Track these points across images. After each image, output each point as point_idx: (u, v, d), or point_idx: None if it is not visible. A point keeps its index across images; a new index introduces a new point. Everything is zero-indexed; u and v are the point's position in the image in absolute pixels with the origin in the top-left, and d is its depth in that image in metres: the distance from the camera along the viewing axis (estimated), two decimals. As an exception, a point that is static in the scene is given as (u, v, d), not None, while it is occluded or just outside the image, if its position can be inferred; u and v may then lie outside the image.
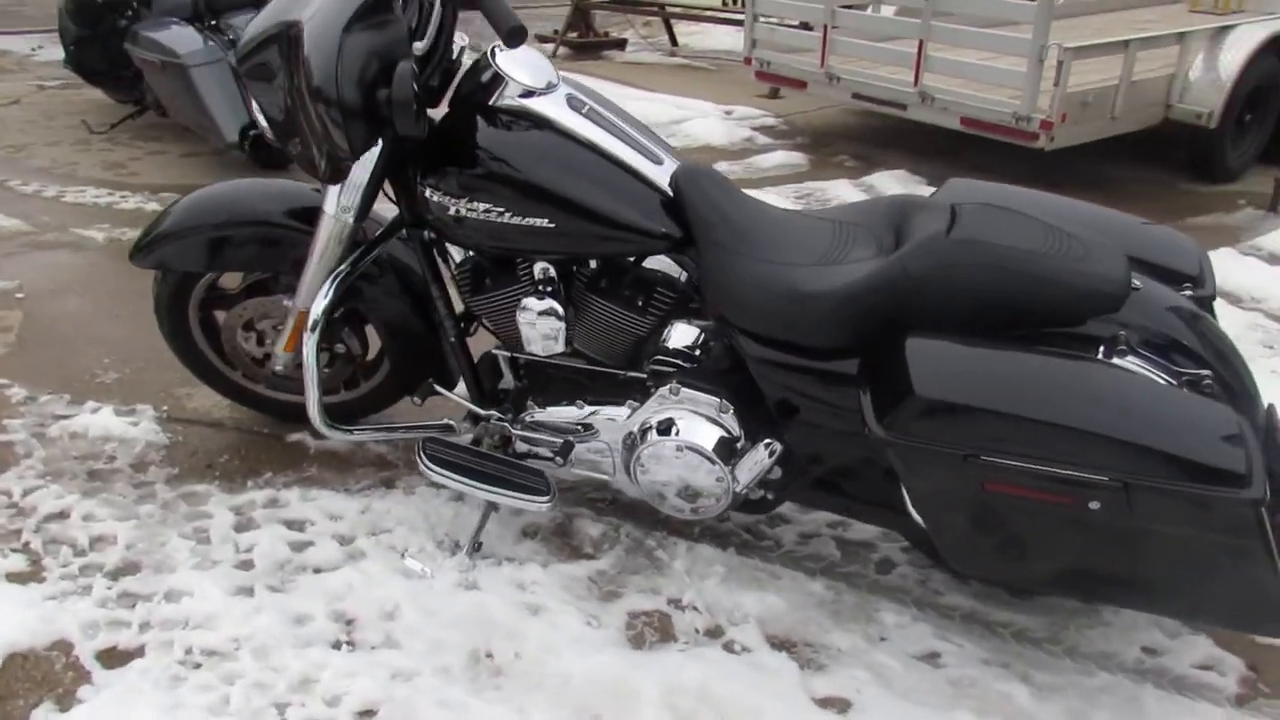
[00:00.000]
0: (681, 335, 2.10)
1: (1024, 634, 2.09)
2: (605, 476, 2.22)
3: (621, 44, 9.53)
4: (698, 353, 2.09)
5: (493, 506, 2.28)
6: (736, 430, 2.03)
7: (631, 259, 2.06)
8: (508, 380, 2.31)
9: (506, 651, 1.98)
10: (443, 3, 1.99)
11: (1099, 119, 4.99)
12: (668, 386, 2.03)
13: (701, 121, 6.27)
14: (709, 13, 9.77)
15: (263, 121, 2.04)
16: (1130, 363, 1.73)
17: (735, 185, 2.09)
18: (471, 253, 2.15)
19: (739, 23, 9.62)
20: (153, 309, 2.53)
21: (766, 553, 2.31)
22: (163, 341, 2.58)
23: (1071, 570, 1.75)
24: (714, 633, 2.07)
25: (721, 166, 5.31)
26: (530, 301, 2.06)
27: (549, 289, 2.07)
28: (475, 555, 2.22)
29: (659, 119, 6.23)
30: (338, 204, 2.11)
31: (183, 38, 4.54)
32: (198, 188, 2.48)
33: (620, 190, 1.96)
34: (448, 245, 2.18)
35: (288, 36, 1.84)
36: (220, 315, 2.58)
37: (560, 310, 2.05)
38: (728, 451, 2.02)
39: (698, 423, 2.02)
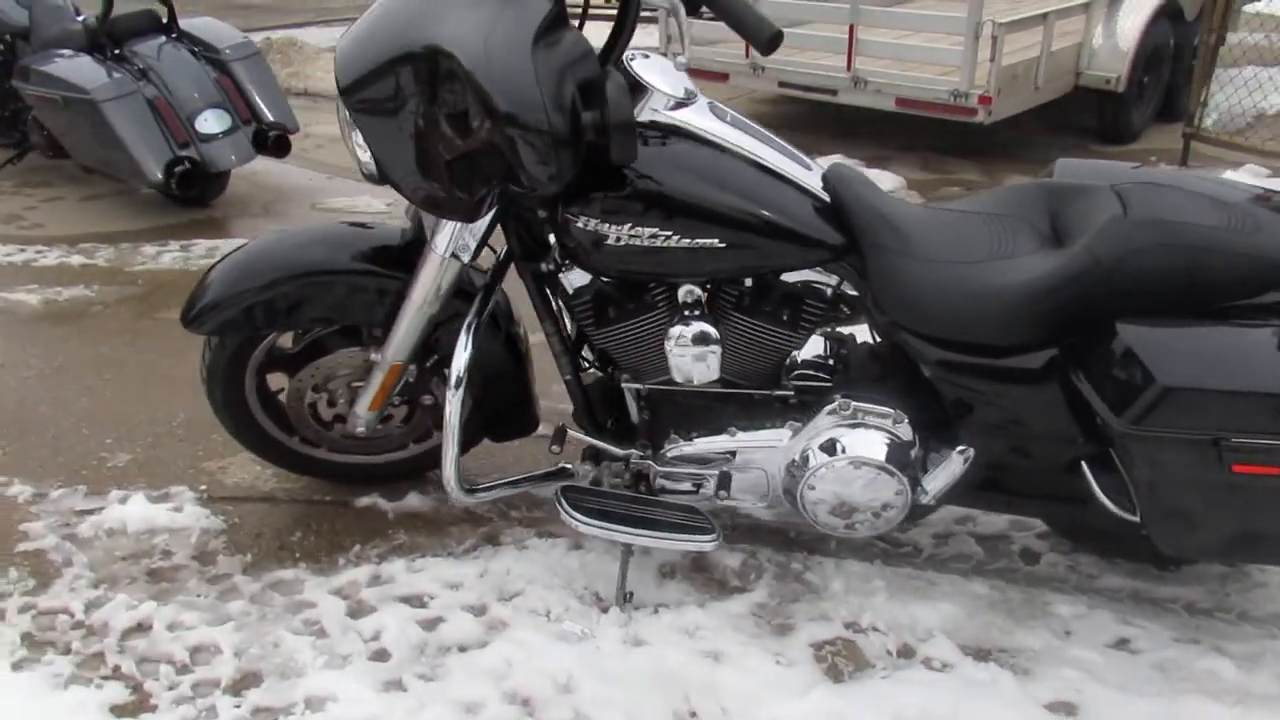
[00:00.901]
0: (835, 347, 2.01)
1: (1194, 606, 2.10)
2: (753, 504, 2.09)
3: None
4: (854, 365, 2.00)
5: (630, 550, 2.13)
6: (912, 439, 1.95)
7: (781, 273, 1.94)
8: (631, 414, 2.14)
9: (710, 708, 1.84)
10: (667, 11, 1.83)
11: (1025, 91, 5.17)
12: (836, 403, 1.93)
13: (622, 121, 6.12)
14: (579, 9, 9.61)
15: (366, 158, 1.81)
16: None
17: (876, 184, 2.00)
18: (590, 284, 1.98)
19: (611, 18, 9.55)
20: (203, 378, 2.24)
21: (912, 560, 2.25)
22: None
23: None
24: (906, 652, 1.99)
25: None
26: (680, 328, 1.91)
27: (697, 312, 1.93)
28: (628, 606, 2.06)
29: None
30: (451, 243, 1.90)
31: (86, 71, 4.07)
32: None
33: (785, 201, 1.84)
34: (562, 278, 2.00)
35: (432, 60, 1.63)
36: (271, 379, 2.30)
37: (715, 334, 1.91)
38: (905, 462, 1.94)
39: (874, 436, 1.93)
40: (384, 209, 4.62)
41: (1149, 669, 1.93)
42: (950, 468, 1.92)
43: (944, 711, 1.80)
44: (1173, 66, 6.03)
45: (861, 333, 2.04)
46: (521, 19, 1.60)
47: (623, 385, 2.09)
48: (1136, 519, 1.85)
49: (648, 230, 1.78)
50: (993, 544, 2.30)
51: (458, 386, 1.92)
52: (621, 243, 1.79)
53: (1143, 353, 1.64)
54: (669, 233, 1.78)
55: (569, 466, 2.22)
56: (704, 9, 1.73)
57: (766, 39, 1.61)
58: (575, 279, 1.99)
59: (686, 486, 2.08)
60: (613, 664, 1.93)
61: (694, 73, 6.21)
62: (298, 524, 2.37)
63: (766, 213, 1.81)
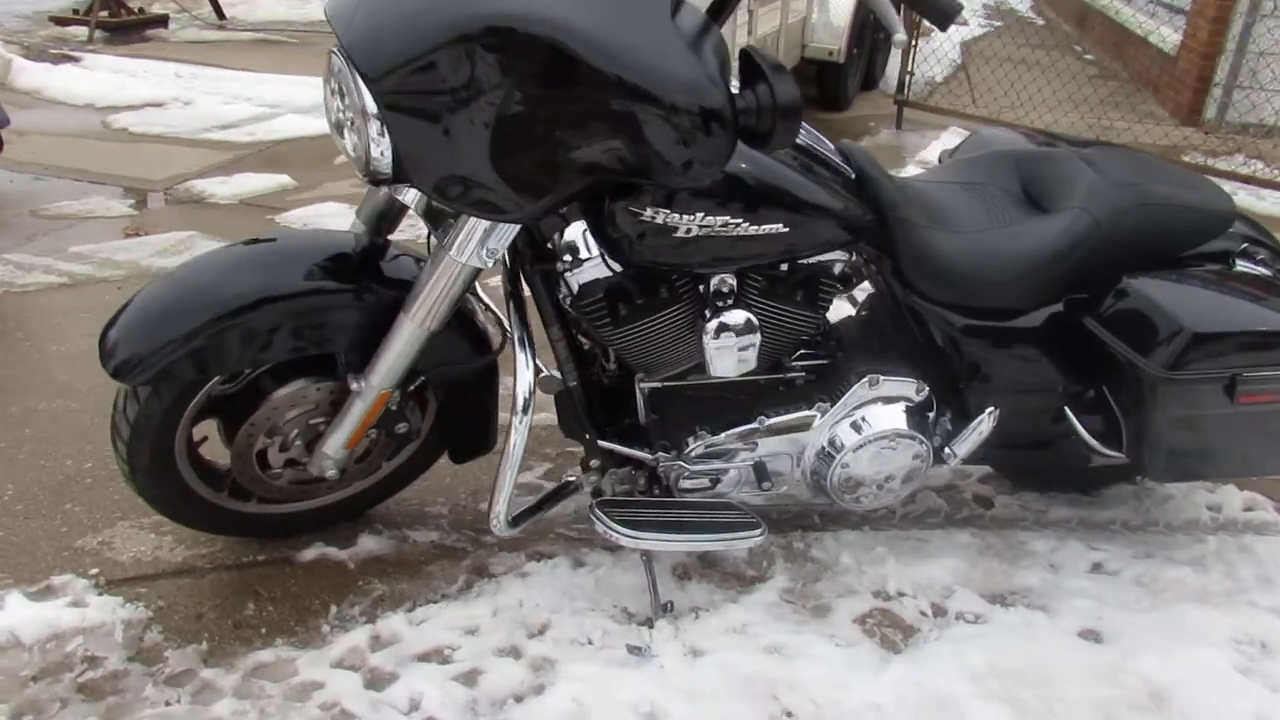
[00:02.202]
0: (848, 324, 2.02)
1: (1129, 524, 2.38)
2: (787, 489, 2.06)
3: (164, 20, 8.27)
4: (868, 339, 2.03)
5: (650, 558, 2.02)
6: (932, 406, 2.01)
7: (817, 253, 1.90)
8: (639, 416, 2.02)
9: (802, 704, 1.80)
10: None
11: (771, 63, 5.47)
12: (866, 379, 1.94)
13: (362, 101, 5.71)
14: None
15: (380, 153, 1.52)
16: (1253, 267, 2.03)
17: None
18: (600, 281, 1.83)
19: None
20: (124, 437, 1.81)
21: (892, 522, 2.34)
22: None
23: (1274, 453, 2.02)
24: (939, 611, 2.07)
25: None
26: (721, 319, 1.82)
27: (731, 301, 1.85)
28: (671, 616, 1.96)
29: (305, 102, 5.62)
30: (475, 247, 1.66)
31: None
32: None
33: (830, 181, 1.80)
34: (569, 278, 1.82)
35: (514, 39, 1.39)
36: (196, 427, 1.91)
37: (756, 322, 1.84)
38: (928, 429, 2.00)
39: (902, 408, 1.97)
40: (129, 211, 3.99)
41: (1132, 586, 2.16)
42: (979, 428, 2.00)
43: (1011, 661, 1.89)
44: (871, 40, 6.67)
45: (866, 307, 2.07)
46: None
47: (639, 385, 1.96)
48: (1121, 455, 2.05)
49: (720, 219, 1.67)
50: (948, 495, 2.45)
51: (525, 410, 1.70)
52: (691, 233, 1.66)
53: (1166, 304, 1.82)
54: (740, 220, 1.68)
55: (574, 479, 2.06)
56: None
57: (954, 11, 1.51)
58: (585, 277, 1.82)
59: (718, 482, 2.00)
60: (687, 680, 1.82)
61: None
62: (241, 594, 1.99)
63: (823, 193, 1.76)
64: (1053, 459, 2.20)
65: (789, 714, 1.79)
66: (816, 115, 6.20)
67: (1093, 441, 2.06)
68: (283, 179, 4.46)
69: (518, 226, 1.68)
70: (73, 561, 2.04)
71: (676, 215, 1.64)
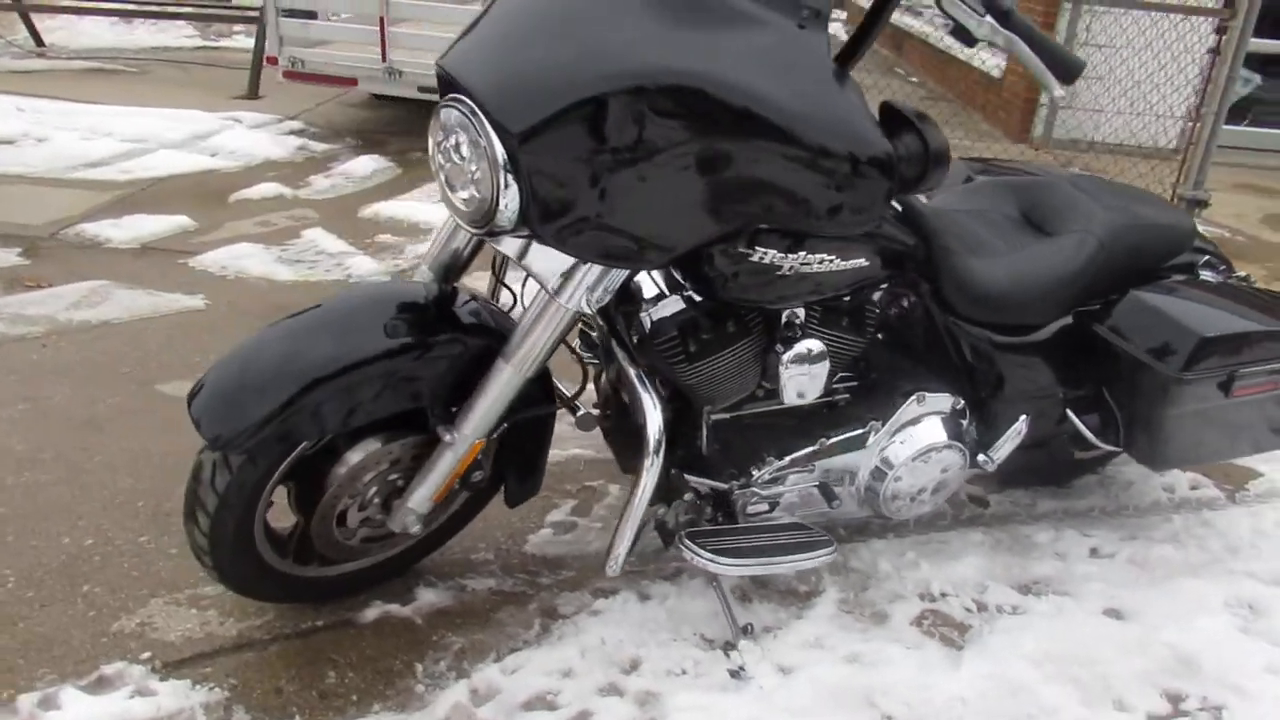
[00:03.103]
0: (880, 344, 2.15)
1: (1105, 510, 2.63)
2: (850, 507, 2.16)
3: (-25, 48, 7.57)
4: (908, 358, 2.17)
5: (719, 583, 2.09)
6: (970, 417, 2.18)
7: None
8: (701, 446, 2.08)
9: (897, 708, 1.91)
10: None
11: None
12: (914, 396, 2.08)
13: (238, 134, 5.49)
14: (76, 3, 8.24)
15: (507, 203, 1.52)
16: (1214, 276, 2.32)
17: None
18: (673, 317, 1.88)
19: (116, 13, 8.36)
20: (210, 509, 1.70)
21: (907, 528, 2.49)
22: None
23: (1264, 435, 2.29)
24: (982, 606, 2.23)
25: (321, 184, 4.83)
26: (795, 349, 1.91)
27: (800, 332, 1.94)
28: (752, 637, 2.03)
29: (174, 136, 5.33)
30: (589, 292, 1.68)
31: None
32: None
33: (889, 215, 1.92)
34: (645, 316, 1.87)
35: (671, 94, 1.43)
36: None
37: (825, 349, 1.95)
38: (965, 439, 2.16)
39: (944, 422, 2.12)
40: (20, 261, 3.69)
41: (1128, 565, 2.39)
42: (1014, 436, 2.18)
43: (1058, 646, 2.07)
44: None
45: (894, 327, 2.21)
46: (806, 44, 1.47)
47: (707, 416, 2.02)
48: (1119, 448, 2.29)
49: (817, 256, 1.76)
50: (949, 499, 2.62)
51: (657, 451, 1.72)
52: (793, 271, 1.75)
53: (1174, 313, 2.06)
54: (833, 256, 1.78)
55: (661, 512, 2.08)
56: (1002, 30, 1.62)
57: (1078, 68, 1.63)
58: (660, 314, 1.87)
59: (777, 504, 2.09)
60: (786, 697, 1.90)
61: (310, 78, 5.79)
62: (315, 662, 1.92)
63: (889, 227, 1.89)
64: (1044, 456, 2.41)
65: (889, 719, 1.89)
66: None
67: (1092, 437, 2.29)
68: (180, 220, 4.22)
69: (628, 272, 1.72)
70: (117, 647, 1.90)
71: (781, 255, 1.72)
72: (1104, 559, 2.42)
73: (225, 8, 8.25)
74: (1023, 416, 2.18)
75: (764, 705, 1.87)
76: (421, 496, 1.85)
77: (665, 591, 2.16)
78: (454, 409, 1.81)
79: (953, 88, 8.87)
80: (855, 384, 2.16)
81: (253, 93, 6.50)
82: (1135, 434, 2.24)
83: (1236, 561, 2.42)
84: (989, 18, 1.57)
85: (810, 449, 2.06)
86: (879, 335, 2.12)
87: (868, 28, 1.61)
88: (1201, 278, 2.29)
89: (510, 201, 1.52)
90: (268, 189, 4.68)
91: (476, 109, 1.51)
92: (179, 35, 8.51)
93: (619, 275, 1.70)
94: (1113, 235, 2.15)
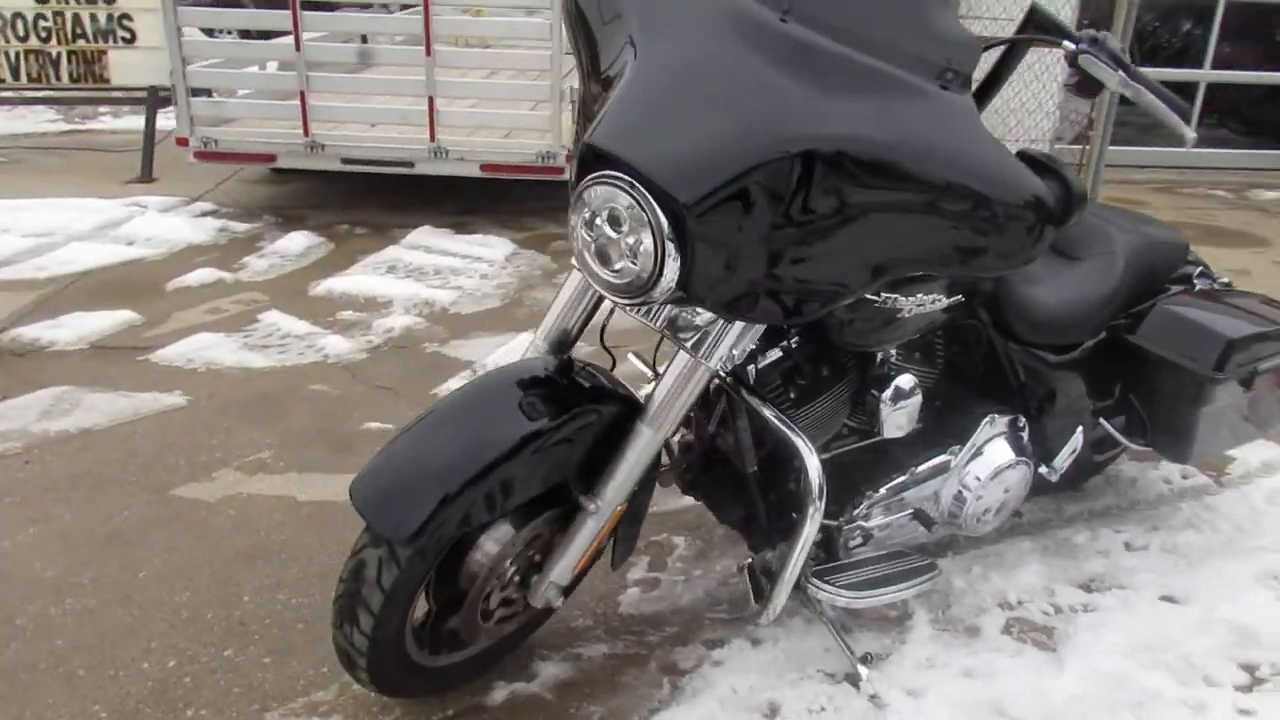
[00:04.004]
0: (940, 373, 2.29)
1: (1120, 508, 2.85)
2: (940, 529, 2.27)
3: None
4: (961, 384, 2.31)
5: (829, 619, 2.16)
6: (1030, 433, 2.33)
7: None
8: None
9: (1023, 713, 2.02)
10: None
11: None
12: (989, 418, 2.23)
13: (150, 220, 5.26)
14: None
15: (670, 276, 1.56)
16: (1209, 284, 2.58)
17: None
18: (777, 364, 1.97)
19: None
20: (375, 608, 1.66)
21: (960, 545, 2.62)
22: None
23: (1262, 423, 2.54)
24: (1057, 608, 2.38)
25: (257, 265, 4.70)
26: (893, 386, 2.02)
27: (893, 369, 2.06)
28: (872, 666, 2.11)
29: (81, 226, 5.09)
30: (729, 349, 1.74)
31: None
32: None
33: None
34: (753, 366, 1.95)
35: (848, 155, 1.50)
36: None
37: (917, 383, 2.06)
38: (1031, 453, 2.31)
39: (1010, 440, 2.27)
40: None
41: (1164, 554, 2.60)
42: (1073, 445, 2.35)
43: (1137, 635, 2.24)
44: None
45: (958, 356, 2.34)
46: (953, 103, 1.57)
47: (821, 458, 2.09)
48: (1146, 445, 2.50)
49: (930, 297, 1.87)
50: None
51: (821, 495, 1.78)
52: (910, 313, 1.85)
53: (1202, 320, 2.28)
54: (940, 296, 1.90)
55: (749, 561, 2.14)
56: (1132, 83, 1.73)
57: (1186, 115, 1.77)
58: (764, 362, 1.96)
59: (871, 536, 2.18)
60: (929, 718, 1.98)
61: (224, 157, 5.66)
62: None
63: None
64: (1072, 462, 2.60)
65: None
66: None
67: (1123, 439, 2.49)
68: (124, 315, 4.01)
69: (764, 327, 1.79)
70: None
71: (902, 298, 1.83)
72: (1140, 551, 2.62)
73: (98, 90, 7.89)
74: (1079, 428, 2.35)
75: (909, 726, 1.95)
76: (564, 568, 1.85)
77: (773, 634, 2.21)
78: (591, 478, 1.83)
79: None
80: (930, 413, 2.29)
81: (147, 175, 6.23)
82: (1162, 432, 2.45)
83: (1248, 539, 2.67)
84: (1121, 73, 1.73)
85: (901, 479, 2.17)
86: (946, 365, 2.26)
87: (996, 78, 1.76)
88: (1199, 287, 2.54)
89: (672, 271, 1.56)
90: (204, 275, 4.50)
91: (636, 183, 1.55)
92: (40, 120, 8.05)
93: (755, 330, 1.77)
94: (1134, 254, 2.36)
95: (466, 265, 4.82)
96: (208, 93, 5.55)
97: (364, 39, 6.21)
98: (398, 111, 5.21)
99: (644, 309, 1.81)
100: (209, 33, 6.16)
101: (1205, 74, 7.37)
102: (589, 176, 1.61)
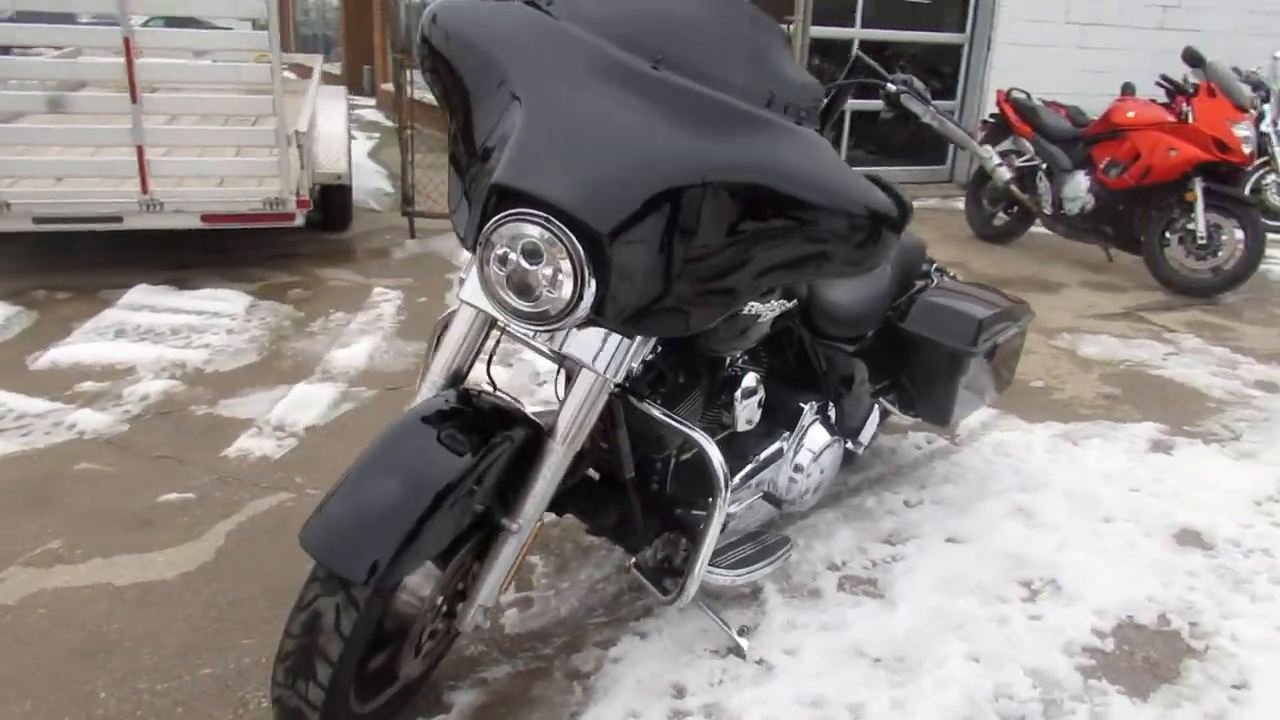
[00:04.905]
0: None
1: (888, 475, 3.32)
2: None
3: None
4: (777, 376, 2.63)
5: (706, 602, 2.39)
6: (836, 415, 2.70)
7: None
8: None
9: (885, 654, 2.35)
10: None
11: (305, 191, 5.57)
12: (811, 406, 2.56)
13: None
14: None
15: (586, 300, 1.71)
16: (945, 278, 3.12)
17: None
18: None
19: None
20: (334, 657, 1.65)
21: (779, 519, 2.95)
22: None
23: (992, 387, 3.08)
24: (874, 562, 2.75)
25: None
26: (745, 384, 2.29)
27: (739, 370, 2.33)
28: (748, 636, 2.36)
29: None
30: (628, 362, 1.90)
31: None
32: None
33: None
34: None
35: (739, 183, 1.70)
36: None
37: (759, 380, 2.34)
38: (841, 433, 2.68)
39: (825, 423, 2.62)
40: None
41: (936, 506, 3.08)
42: (873, 422, 2.73)
43: (942, 574, 2.66)
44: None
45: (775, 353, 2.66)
46: (811, 136, 1.81)
47: (681, 458, 2.31)
48: (915, 416, 2.98)
49: (780, 303, 2.15)
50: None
51: (727, 485, 1.96)
52: (764, 320, 2.12)
53: (956, 306, 2.77)
54: (783, 301, 2.18)
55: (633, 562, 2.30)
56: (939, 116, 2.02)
57: (975, 135, 2.09)
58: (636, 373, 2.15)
59: (732, 518, 2.42)
60: (809, 667, 2.27)
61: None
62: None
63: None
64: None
65: (878, 660, 2.33)
66: (321, 237, 6.34)
67: (896, 411, 2.94)
68: None
69: (654, 341, 1.97)
70: None
71: (760, 305, 2.09)
72: (918, 506, 3.08)
73: None
74: (874, 407, 2.76)
75: (797, 678, 2.22)
76: (490, 590, 1.92)
77: (658, 626, 2.39)
78: (507, 499, 1.91)
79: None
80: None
81: None
82: (926, 403, 2.93)
83: (992, 485, 3.23)
84: (930, 107, 2.10)
85: (750, 467, 2.44)
86: (768, 363, 2.56)
87: (828, 112, 2.07)
88: (938, 281, 3.05)
89: (589, 296, 1.71)
90: (-114, 364, 3.91)
91: (552, 218, 1.68)
92: None
93: (649, 342, 1.95)
94: (896, 256, 2.81)
95: (205, 322, 4.55)
96: None
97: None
98: (102, 163, 4.80)
99: (544, 335, 1.92)
100: None
101: (857, 31, 8.49)
102: (503, 214, 1.71)
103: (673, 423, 2.01)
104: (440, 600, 1.91)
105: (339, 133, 6.09)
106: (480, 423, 1.90)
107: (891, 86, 2.15)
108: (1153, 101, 6.21)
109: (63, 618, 2.37)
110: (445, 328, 2.27)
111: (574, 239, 1.66)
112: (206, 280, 5.10)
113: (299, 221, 5.21)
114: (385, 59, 15.61)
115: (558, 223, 1.67)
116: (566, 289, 1.70)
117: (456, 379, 2.01)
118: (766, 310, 2.13)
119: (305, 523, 1.67)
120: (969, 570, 2.69)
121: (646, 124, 1.75)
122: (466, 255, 1.87)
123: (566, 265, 1.69)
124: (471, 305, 1.95)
